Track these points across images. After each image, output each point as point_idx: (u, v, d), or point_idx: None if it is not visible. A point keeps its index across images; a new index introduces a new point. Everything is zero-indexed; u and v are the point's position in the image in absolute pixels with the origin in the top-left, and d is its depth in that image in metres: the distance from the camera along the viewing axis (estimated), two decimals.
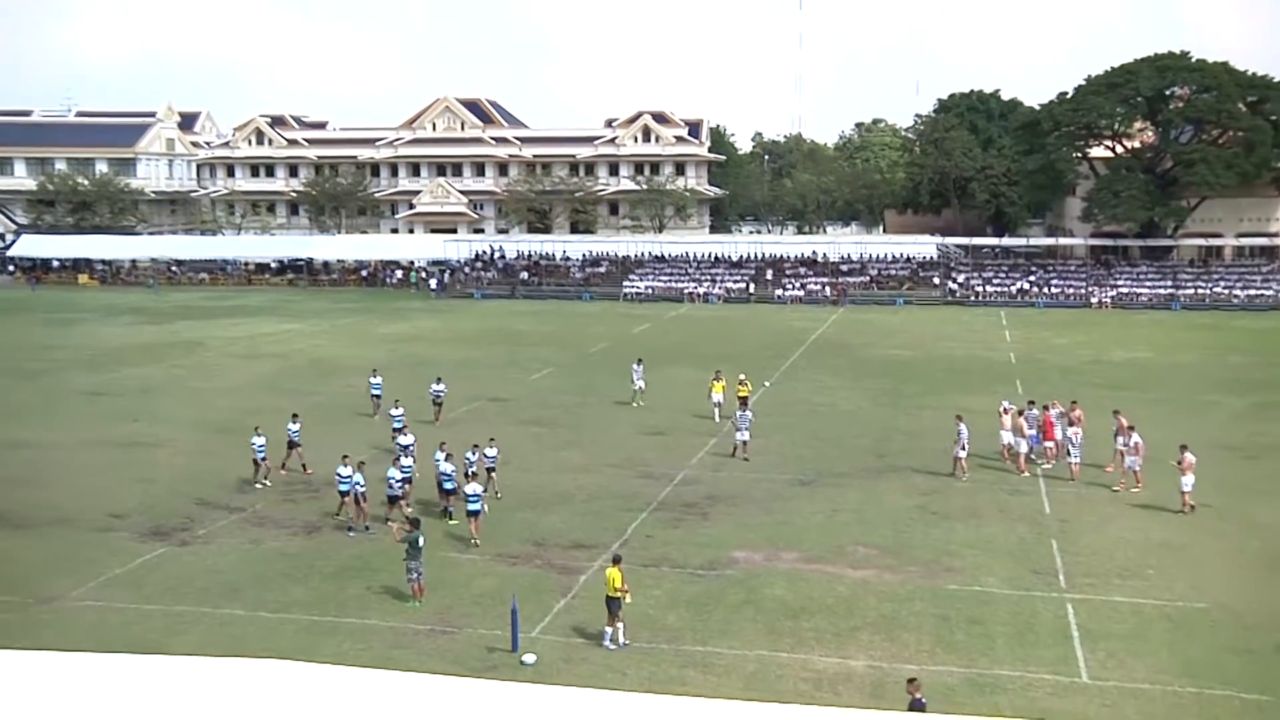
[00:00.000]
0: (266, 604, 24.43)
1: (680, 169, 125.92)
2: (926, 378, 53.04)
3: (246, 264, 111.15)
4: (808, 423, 42.74)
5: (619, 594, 21.96)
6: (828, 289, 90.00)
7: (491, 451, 32.36)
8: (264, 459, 33.81)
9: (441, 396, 41.99)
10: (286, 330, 72.23)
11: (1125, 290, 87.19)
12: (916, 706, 17.16)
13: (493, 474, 32.08)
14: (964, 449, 34.36)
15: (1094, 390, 46.65)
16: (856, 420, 43.55)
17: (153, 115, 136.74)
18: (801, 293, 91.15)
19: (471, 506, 28.58)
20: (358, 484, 29.33)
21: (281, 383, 52.24)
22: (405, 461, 31.22)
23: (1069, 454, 34.47)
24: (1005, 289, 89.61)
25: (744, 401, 40.87)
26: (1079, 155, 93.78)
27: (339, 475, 29.82)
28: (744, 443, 36.74)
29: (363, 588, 25.37)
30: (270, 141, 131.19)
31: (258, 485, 33.59)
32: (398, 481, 29.91)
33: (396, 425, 35.75)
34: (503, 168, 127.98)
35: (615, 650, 21.74)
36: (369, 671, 6.22)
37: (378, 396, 43.16)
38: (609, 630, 21.95)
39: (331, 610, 24.04)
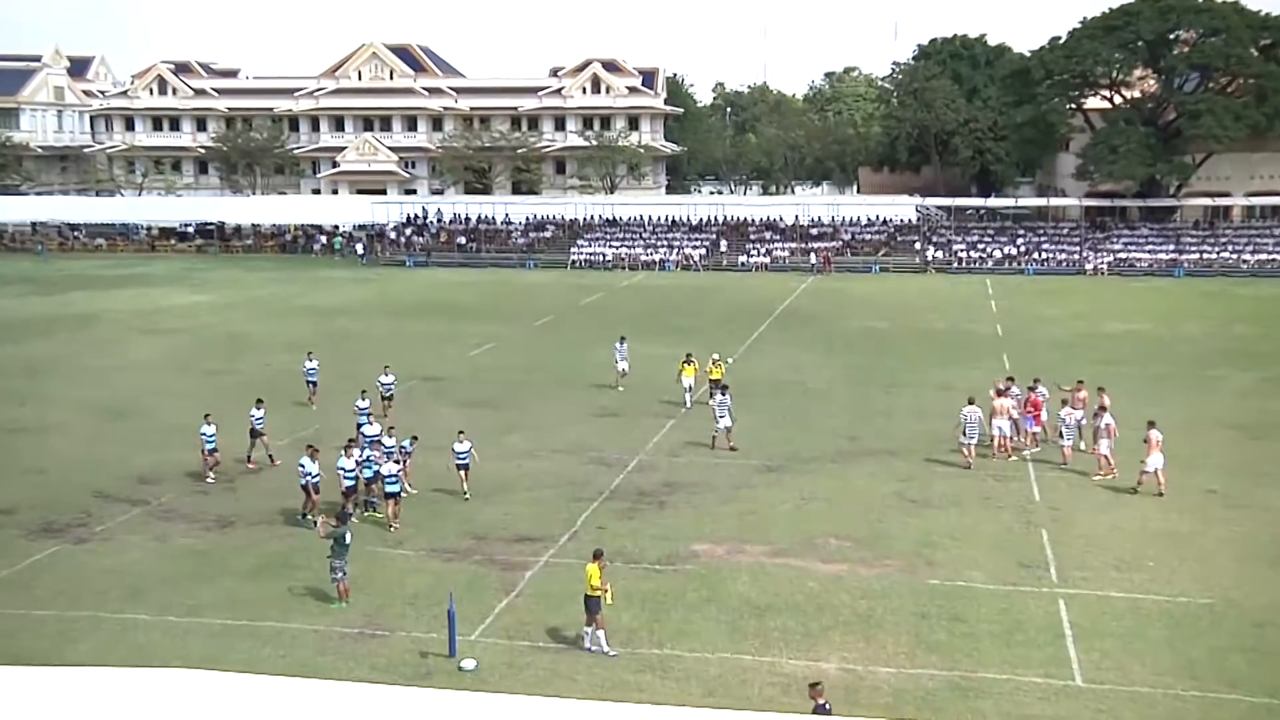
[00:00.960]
0: (173, 607, 24.24)
1: (633, 123, 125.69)
2: (904, 352, 53.37)
3: (149, 228, 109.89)
4: (774, 402, 42.89)
5: (598, 592, 21.92)
6: (812, 255, 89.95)
7: (462, 446, 31.47)
8: (213, 450, 33.36)
9: (392, 390, 41.14)
10: (195, 302, 71.58)
11: (1123, 255, 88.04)
12: (820, 711, 17.35)
13: (464, 472, 31.39)
14: (967, 435, 34.17)
15: (1089, 365, 47.04)
16: (828, 399, 43.77)
17: (38, 60, 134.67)
18: (767, 259, 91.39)
19: (390, 488, 29.00)
20: (312, 476, 29.16)
21: (191, 361, 51.80)
22: (358, 453, 30.76)
23: (1061, 436, 34.70)
24: (991, 254, 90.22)
25: (717, 385, 40.78)
26: (1073, 107, 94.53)
27: (301, 468, 29.52)
28: (727, 430, 36.28)
29: (283, 588, 25.24)
30: (174, 91, 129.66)
31: (209, 479, 33.08)
32: (349, 472, 29.65)
33: (361, 420, 35.19)
34: (437, 122, 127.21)
35: (596, 652, 21.69)
36: (290, 680, 6.18)
37: (313, 382, 42.59)
38: (587, 631, 21.95)
39: (247, 613, 23.90)
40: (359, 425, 34.40)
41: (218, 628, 23.26)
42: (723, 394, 36.92)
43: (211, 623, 23.49)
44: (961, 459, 34.25)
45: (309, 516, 28.97)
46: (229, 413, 35.89)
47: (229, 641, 22.56)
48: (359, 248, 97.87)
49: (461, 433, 32.07)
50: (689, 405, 41.47)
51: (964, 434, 34.39)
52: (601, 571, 22.20)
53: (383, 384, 40.77)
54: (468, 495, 31.22)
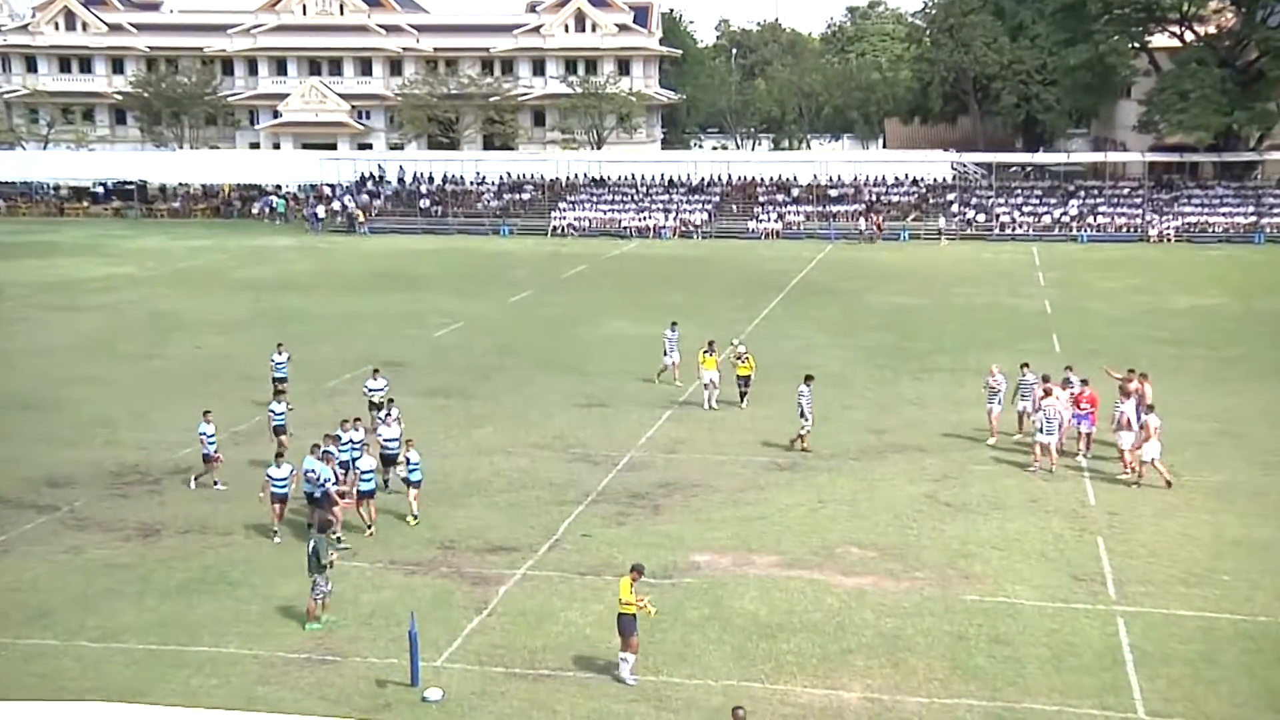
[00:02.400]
0: (87, 630, 24.18)
1: (624, 67, 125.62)
2: (937, 332, 53.44)
3: (57, 188, 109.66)
4: (787, 390, 42.74)
5: (630, 609, 21.64)
6: (861, 221, 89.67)
7: (414, 456, 30.53)
8: (215, 453, 33.14)
9: (381, 396, 40.58)
10: (113, 274, 71.50)
11: (1193, 219, 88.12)
12: None
13: (413, 488, 30.21)
14: (1045, 432, 33.44)
15: (1151, 346, 47.16)
16: (849, 386, 43.79)
17: None
18: (779, 225, 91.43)
19: (363, 486, 29.19)
20: (326, 480, 29.04)
21: (109, 343, 51.76)
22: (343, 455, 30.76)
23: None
24: (1039, 218, 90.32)
25: (746, 380, 40.64)
26: (1136, 45, 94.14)
27: (310, 473, 29.38)
28: (808, 430, 36.04)
29: (218, 606, 25.18)
30: (85, 26, 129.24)
31: (217, 486, 32.86)
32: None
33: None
34: (395, 64, 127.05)
35: (633, 684, 21.55)
36: (227, 714, 6.20)
37: (281, 379, 42.32)
38: (630, 658, 21.76)
39: (176, 636, 23.84)
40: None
41: (140, 654, 23.21)
42: (804, 384, 36.27)
43: (133, 648, 23.43)
44: (1046, 462, 33.63)
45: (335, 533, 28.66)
46: (156, 404, 35.91)
47: (154, 669, 22.50)
48: (319, 211, 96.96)
49: (410, 441, 31.14)
50: (712, 405, 40.96)
51: (1042, 431, 33.75)
52: (632, 586, 21.83)
53: (370, 389, 40.08)
54: (416, 518, 30.03)
